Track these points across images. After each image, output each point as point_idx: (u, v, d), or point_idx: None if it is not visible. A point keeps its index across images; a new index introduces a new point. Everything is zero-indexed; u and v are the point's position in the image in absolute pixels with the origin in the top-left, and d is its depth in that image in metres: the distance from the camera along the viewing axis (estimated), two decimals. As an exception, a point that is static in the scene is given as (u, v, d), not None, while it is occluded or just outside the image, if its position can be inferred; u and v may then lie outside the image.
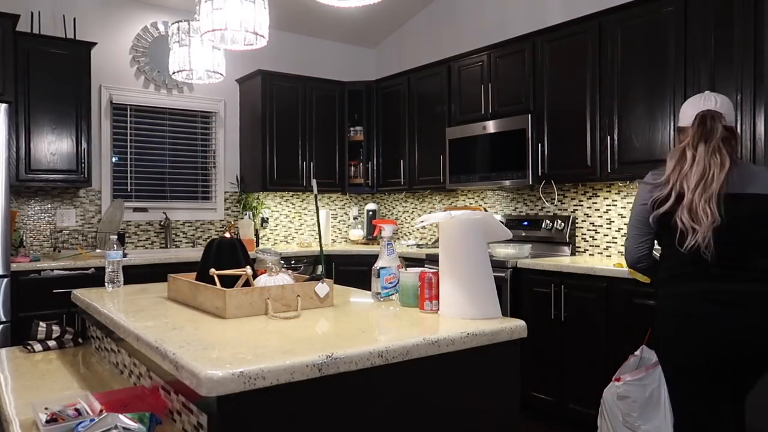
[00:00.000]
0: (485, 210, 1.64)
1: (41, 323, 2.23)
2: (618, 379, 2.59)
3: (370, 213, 5.05)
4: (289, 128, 4.58)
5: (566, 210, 3.79)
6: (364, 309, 1.78)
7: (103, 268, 2.52)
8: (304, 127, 4.66)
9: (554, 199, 3.84)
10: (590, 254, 3.65)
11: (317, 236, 5.07)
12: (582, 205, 3.72)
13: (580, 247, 3.68)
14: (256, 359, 1.13)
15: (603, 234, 3.60)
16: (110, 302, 1.91)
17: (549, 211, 3.88)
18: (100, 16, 4.12)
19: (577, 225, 3.70)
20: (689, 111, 1.90)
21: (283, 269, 1.83)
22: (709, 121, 1.81)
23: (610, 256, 3.54)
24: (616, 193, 3.54)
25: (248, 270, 1.74)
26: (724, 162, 1.73)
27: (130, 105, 4.26)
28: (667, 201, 1.80)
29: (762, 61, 2.60)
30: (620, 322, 2.86)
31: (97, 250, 3.88)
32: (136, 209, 4.24)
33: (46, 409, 1.39)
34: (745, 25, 2.65)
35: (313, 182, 1.98)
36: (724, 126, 1.80)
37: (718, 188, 1.71)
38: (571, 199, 3.77)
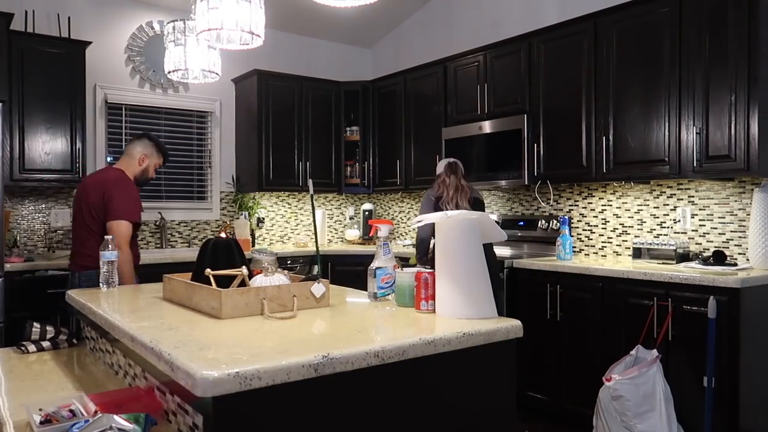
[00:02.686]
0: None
1: (35, 324, 2.22)
2: (608, 379, 2.60)
3: (367, 213, 5.05)
4: (285, 128, 4.57)
5: (562, 210, 3.80)
6: (360, 309, 1.78)
7: (97, 269, 2.50)
8: (300, 126, 4.65)
9: (550, 199, 3.85)
10: (585, 254, 3.66)
11: (313, 236, 5.07)
12: (577, 205, 3.73)
13: (575, 247, 3.69)
14: (252, 359, 1.13)
15: (598, 234, 3.61)
16: (105, 303, 1.90)
17: (545, 211, 3.88)
18: (95, 15, 4.10)
19: (572, 225, 3.70)
20: (440, 164, 3.32)
21: (279, 269, 1.82)
22: (453, 164, 3.25)
23: (605, 256, 3.55)
24: (611, 194, 3.55)
25: (244, 270, 1.74)
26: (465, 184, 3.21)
27: (125, 104, 4.24)
28: (441, 199, 3.17)
29: (756, 62, 2.62)
30: (616, 321, 2.87)
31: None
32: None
33: (40, 410, 1.38)
34: (739, 26, 2.66)
35: (309, 182, 1.98)
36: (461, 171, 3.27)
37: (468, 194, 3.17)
38: (567, 199, 3.78)
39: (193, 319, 1.59)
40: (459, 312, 1.56)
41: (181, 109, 4.49)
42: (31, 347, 2.14)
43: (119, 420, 1.22)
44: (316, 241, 1.97)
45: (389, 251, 1.88)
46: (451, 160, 3.32)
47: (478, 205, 3.22)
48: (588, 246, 3.66)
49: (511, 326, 1.52)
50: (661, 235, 3.29)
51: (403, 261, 3.92)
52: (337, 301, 1.88)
